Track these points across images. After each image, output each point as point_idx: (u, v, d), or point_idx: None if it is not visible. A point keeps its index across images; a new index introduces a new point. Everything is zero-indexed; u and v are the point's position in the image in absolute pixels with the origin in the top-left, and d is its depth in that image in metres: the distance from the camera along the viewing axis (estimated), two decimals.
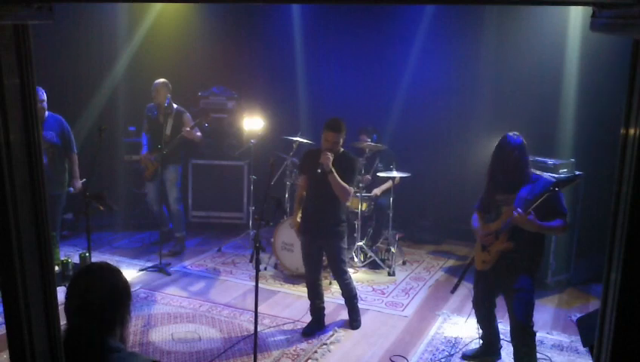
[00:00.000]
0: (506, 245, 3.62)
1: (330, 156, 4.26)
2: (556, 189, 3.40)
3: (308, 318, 4.71)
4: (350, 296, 4.69)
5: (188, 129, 5.93)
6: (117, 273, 1.96)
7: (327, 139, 4.30)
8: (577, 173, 5.46)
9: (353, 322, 4.72)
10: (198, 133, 6.11)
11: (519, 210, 3.46)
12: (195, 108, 7.02)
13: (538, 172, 3.69)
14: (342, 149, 4.43)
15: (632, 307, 1.20)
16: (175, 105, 6.10)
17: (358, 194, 5.87)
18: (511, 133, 3.62)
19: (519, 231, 3.53)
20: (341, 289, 4.71)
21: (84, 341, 1.82)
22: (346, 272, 4.63)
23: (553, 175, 5.17)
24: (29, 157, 1.30)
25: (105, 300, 1.87)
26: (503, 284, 3.78)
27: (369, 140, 6.12)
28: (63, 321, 1.54)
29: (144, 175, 6.31)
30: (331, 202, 4.38)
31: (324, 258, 4.79)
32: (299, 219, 4.68)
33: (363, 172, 6.04)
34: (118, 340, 1.90)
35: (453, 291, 4.08)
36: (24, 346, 1.32)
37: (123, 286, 1.94)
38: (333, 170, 4.25)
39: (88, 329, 1.83)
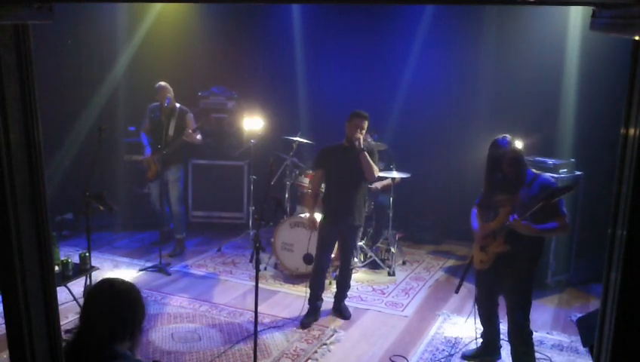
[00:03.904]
0: (503, 248, 3.63)
1: (361, 137, 4.58)
2: (552, 196, 3.39)
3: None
4: (346, 285, 4.88)
5: (190, 131, 5.92)
6: (136, 291, 2.02)
7: (355, 125, 4.56)
8: (577, 173, 5.47)
9: (344, 314, 4.84)
10: (199, 137, 6.10)
11: (515, 215, 3.49)
12: (195, 108, 7.01)
13: (536, 171, 3.69)
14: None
15: (632, 307, 1.20)
16: (178, 105, 6.09)
17: None
18: (500, 137, 3.65)
19: (517, 232, 3.54)
20: (341, 274, 4.85)
21: (91, 346, 1.85)
22: (354, 258, 4.91)
23: (553, 175, 5.18)
24: (29, 157, 1.31)
25: (118, 312, 1.92)
26: (502, 284, 3.79)
27: (370, 139, 6.12)
28: (63, 321, 1.55)
29: (147, 175, 6.30)
30: (355, 188, 4.66)
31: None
32: (316, 216, 4.85)
33: None
34: (127, 347, 1.93)
35: (457, 291, 4.10)
36: (24, 346, 1.32)
37: (136, 302, 2.00)
38: (365, 149, 4.55)
39: (96, 337, 1.86)
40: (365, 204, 4.93)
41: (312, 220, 4.96)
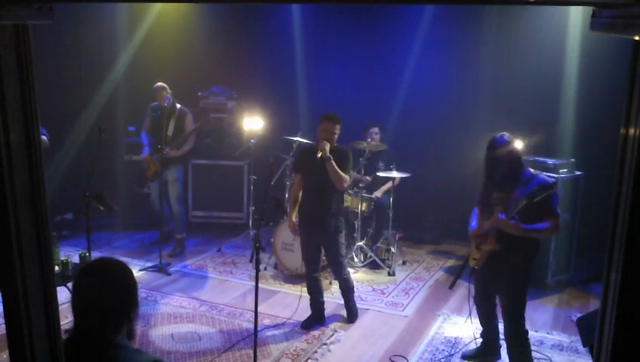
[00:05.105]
0: (493, 246, 3.64)
1: (327, 145, 4.38)
2: (533, 195, 3.39)
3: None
4: (347, 288, 4.74)
5: (169, 150, 5.93)
6: (123, 268, 1.94)
7: (324, 129, 4.41)
8: (577, 173, 5.47)
9: (350, 314, 4.77)
10: (185, 147, 6.14)
11: (502, 215, 3.50)
12: (195, 108, 7.02)
13: (534, 171, 3.69)
14: (335, 144, 4.50)
15: (632, 307, 1.20)
16: (178, 106, 6.09)
17: (358, 194, 5.87)
18: (498, 135, 3.65)
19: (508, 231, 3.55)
20: (339, 283, 4.74)
21: (90, 338, 1.83)
22: (345, 267, 4.68)
23: (553, 175, 5.18)
24: (29, 157, 1.30)
25: (110, 297, 1.86)
26: (498, 283, 3.79)
27: (370, 140, 6.13)
28: (63, 321, 1.54)
29: (146, 175, 6.31)
30: (328, 196, 4.46)
31: (323, 257, 4.80)
32: (294, 219, 4.72)
33: (363, 172, 6.04)
34: (125, 336, 1.90)
35: (451, 287, 4.11)
36: (24, 346, 1.32)
37: (129, 281, 1.92)
38: (330, 157, 4.35)
39: (94, 327, 1.83)
40: (343, 208, 4.70)
41: (292, 226, 4.78)
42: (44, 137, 5.36)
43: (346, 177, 4.44)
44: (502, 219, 3.49)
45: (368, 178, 6.15)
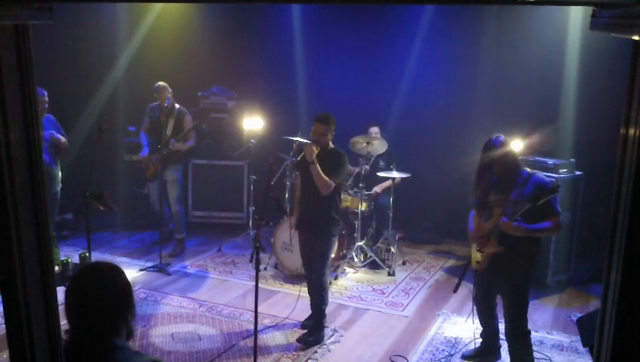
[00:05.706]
0: (496, 249, 3.64)
1: (315, 148, 4.24)
2: (537, 198, 3.39)
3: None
4: (318, 305, 4.43)
5: (175, 141, 5.93)
6: (117, 272, 1.94)
7: (315, 131, 4.31)
8: (577, 173, 5.47)
9: (309, 336, 4.39)
10: (189, 143, 6.13)
11: (504, 218, 3.50)
12: (195, 109, 7.01)
13: (530, 170, 3.69)
14: (331, 145, 4.41)
15: (632, 307, 1.20)
16: (177, 106, 6.10)
17: (358, 194, 5.87)
18: (494, 136, 3.65)
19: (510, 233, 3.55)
20: (311, 291, 4.51)
21: (88, 340, 1.84)
22: (324, 274, 4.41)
23: (552, 175, 5.18)
24: (29, 157, 1.31)
25: (106, 300, 1.85)
26: (499, 283, 3.80)
27: (374, 137, 6.14)
28: (63, 321, 1.54)
29: (145, 175, 6.31)
30: (320, 196, 4.29)
31: None
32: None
33: (363, 171, 6.03)
34: (124, 338, 1.90)
35: (455, 290, 4.10)
36: (24, 346, 1.32)
37: (123, 285, 1.92)
38: (315, 161, 4.21)
39: (92, 329, 1.84)
40: (339, 210, 4.50)
41: (294, 223, 4.71)
42: (63, 138, 5.49)
43: (331, 183, 4.21)
44: (505, 221, 3.49)
45: (367, 166, 6.00)
